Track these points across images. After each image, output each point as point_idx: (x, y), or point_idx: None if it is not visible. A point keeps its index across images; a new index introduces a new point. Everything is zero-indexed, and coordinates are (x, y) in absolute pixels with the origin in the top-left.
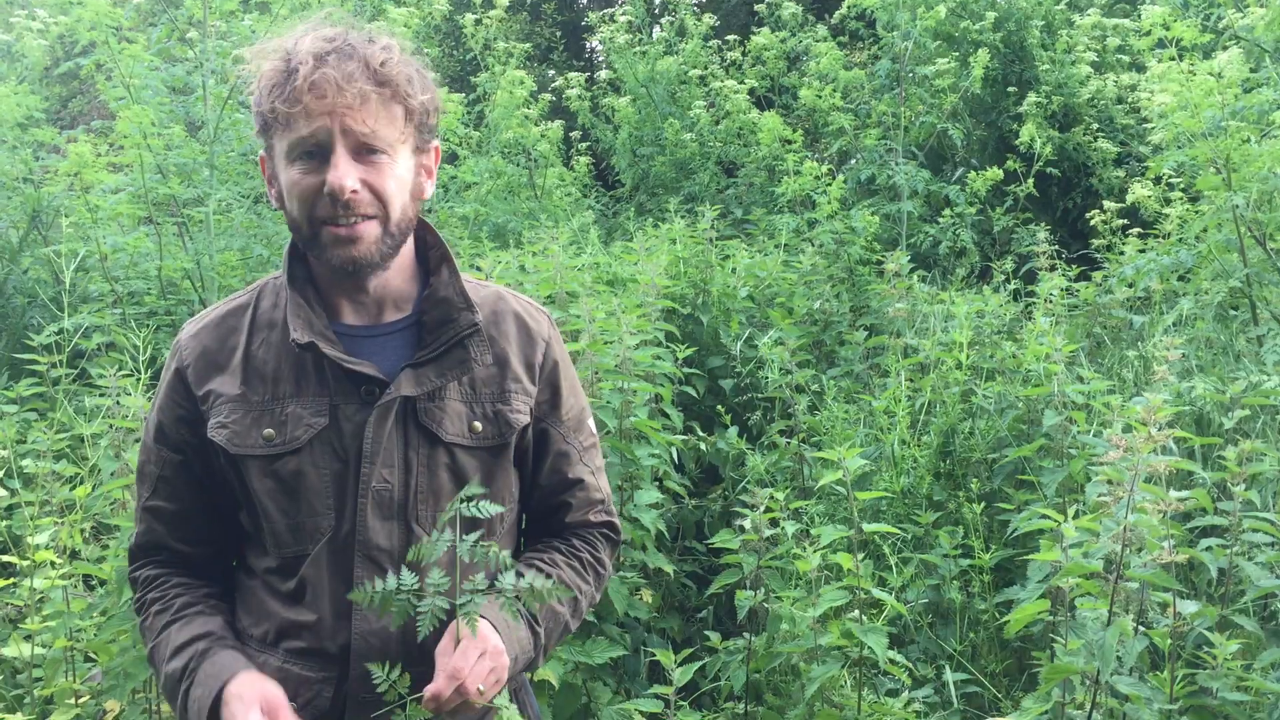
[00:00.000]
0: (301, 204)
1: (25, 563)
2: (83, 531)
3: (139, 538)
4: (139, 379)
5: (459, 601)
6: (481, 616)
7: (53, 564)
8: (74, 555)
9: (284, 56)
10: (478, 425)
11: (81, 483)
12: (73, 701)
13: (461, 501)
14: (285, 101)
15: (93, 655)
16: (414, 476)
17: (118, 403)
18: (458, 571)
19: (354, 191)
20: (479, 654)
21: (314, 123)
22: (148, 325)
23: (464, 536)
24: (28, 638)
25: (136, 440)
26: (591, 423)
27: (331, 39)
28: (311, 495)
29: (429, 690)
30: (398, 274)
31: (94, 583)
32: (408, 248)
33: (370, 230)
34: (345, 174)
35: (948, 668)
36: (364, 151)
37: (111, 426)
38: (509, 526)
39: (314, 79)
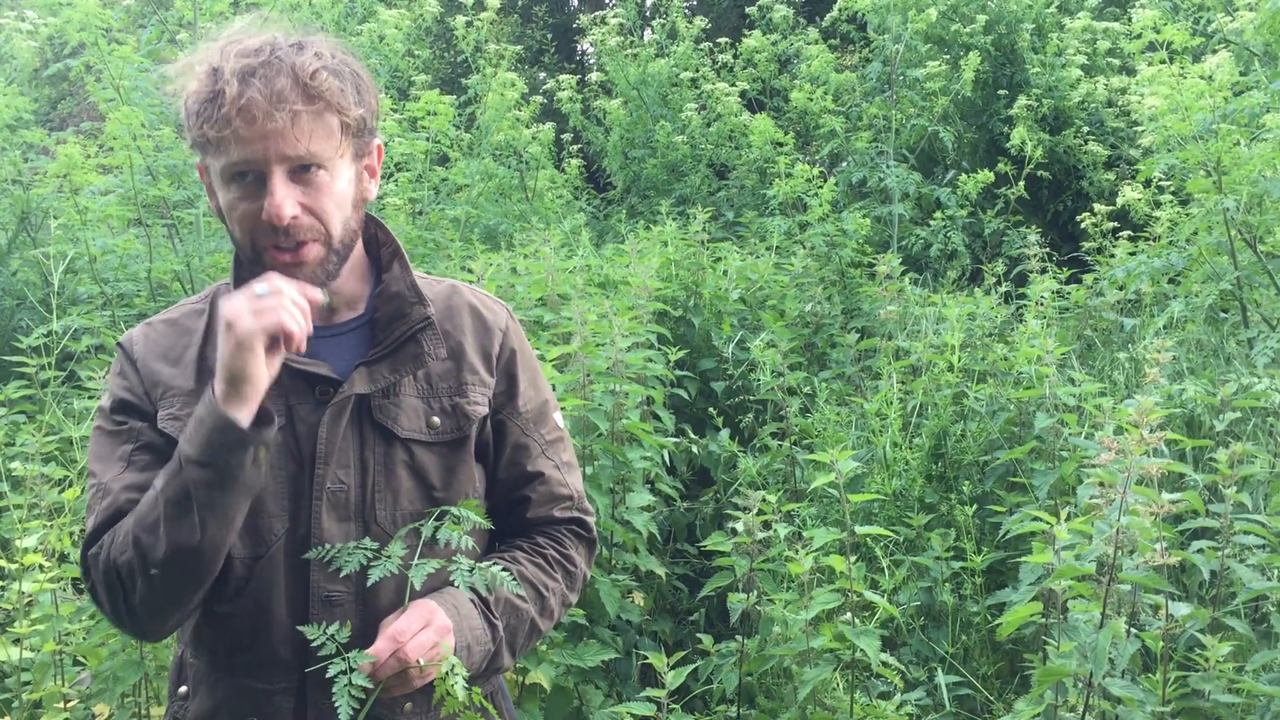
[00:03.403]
0: (242, 227)
1: (14, 566)
2: (71, 535)
3: (103, 513)
4: None
5: (412, 566)
6: (435, 603)
7: (41, 567)
8: (63, 559)
9: (210, 74)
10: (435, 420)
11: (70, 485)
12: (61, 705)
13: (435, 519)
14: (214, 126)
15: (82, 659)
16: (370, 476)
17: None
18: (418, 548)
19: (294, 218)
20: (423, 624)
21: (246, 149)
22: None
23: (447, 530)
24: (16, 641)
25: None
26: (558, 416)
27: (258, 51)
28: (266, 496)
29: (369, 651)
30: (349, 275)
31: (83, 586)
32: (357, 247)
33: (314, 252)
34: (282, 201)
35: (940, 670)
36: (300, 170)
37: None
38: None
39: (242, 103)
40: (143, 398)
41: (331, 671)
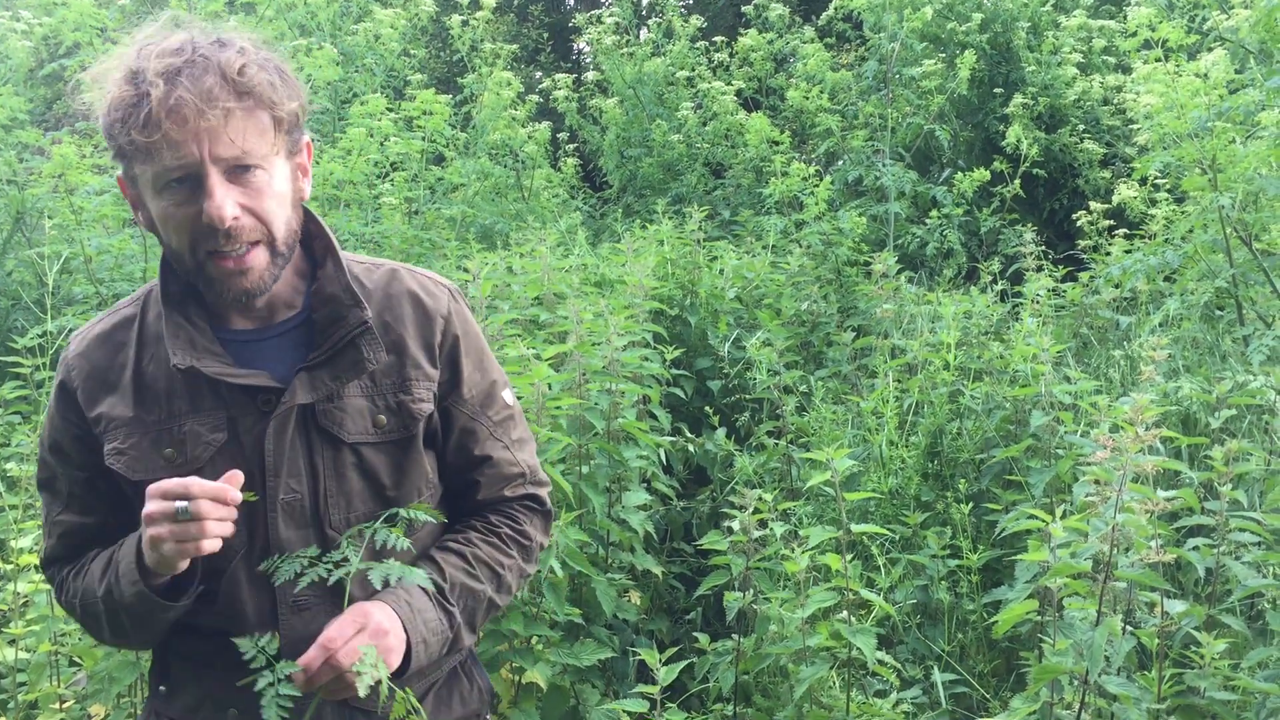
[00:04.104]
0: (179, 235)
1: (9, 567)
2: None
3: (52, 550)
4: None
5: (353, 569)
6: (382, 603)
7: (36, 568)
8: None
9: (129, 79)
10: (382, 419)
11: None
12: (57, 706)
13: (382, 522)
14: (142, 131)
15: (77, 659)
16: (321, 482)
17: None
18: (356, 557)
19: (235, 219)
20: (357, 629)
21: (179, 151)
22: None
23: (384, 531)
24: (12, 642)
25: None
26: (507, 394)
27: (179, 50)
28: None
29: (300, 660)
30: (287, 272)
31: None
32: None
33: (259, 257)
34: (222, 202)
35: (936, 668)
36: (237, 170)
37: None
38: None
39: (170, 104)
40: (79, 439)
41: (259, 685)
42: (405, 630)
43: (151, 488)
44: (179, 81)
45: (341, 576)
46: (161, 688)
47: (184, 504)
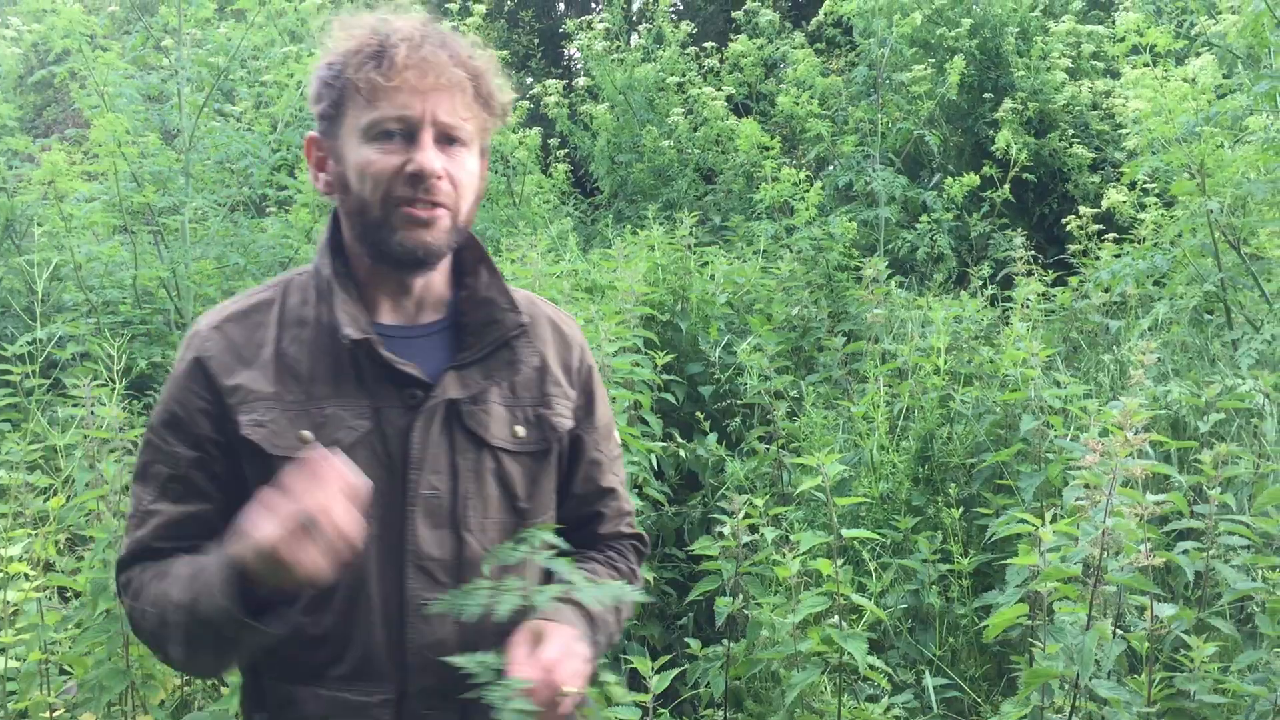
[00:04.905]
0: (376, 184)
1: None
2: (57, 543)
3: (134, 545)
4: (114, 389)
5: (532, 595)
6: (573, 627)
7: (26, 576)
8: (48, 567)
9: (374, 33)
10: (520, 430)
11: (55, 494)
12: (47, 715)
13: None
14: (384, 73)
15: (68, 668)
16: (461, 483)
17: (92, 413)
18: (485, 571)
19: (439, 177)
20: (569, 653)
21: (408, 100)
22: (122, 335)
23: (514, 546)
24: (1, 651)
25: (111, 450)
26: (616, 434)
27: (423, 24)
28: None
29: (527, 677)
30: (440, 274)
31: (69, 595)
32: None
33: (444, 220)
34: (435, 157)
35: (927, 673)
36: (445, 141)
37: (86, 437)
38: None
39: (417, 57)
40: (205, 411)
41: (495, 698)
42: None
43: (270, 539)
44: (424, 44)
45: (513, 608)
46: (258, 715)
47: (307, 516)
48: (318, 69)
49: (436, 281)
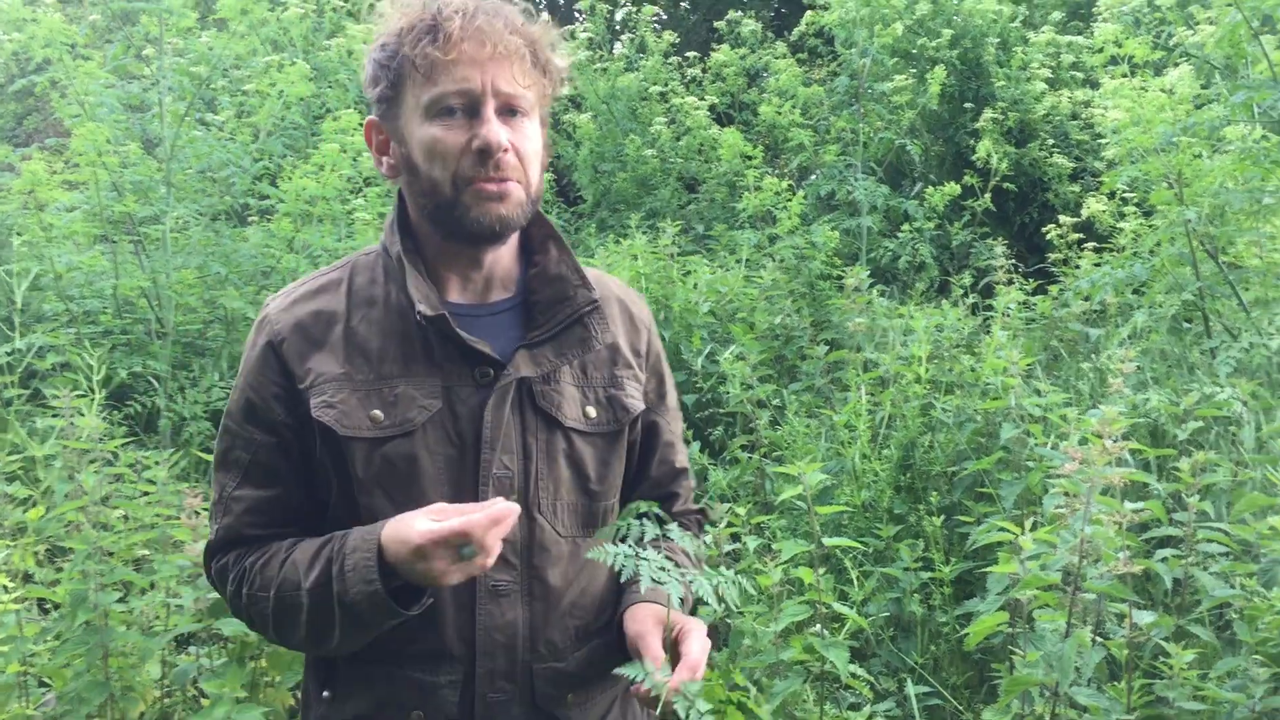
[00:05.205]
0: (444, 163)
1: None
2: (36, 554)
3: (223, 532)
4: (93, 399)
5: (663, 575)
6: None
7: (5, 588)
8: (27, 579)
9: (426, 8)
10: (591, 411)
11: (34, 505)
12: None
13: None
14: (441, 48)
15: (47, 680)
16: (534, 463)
17: (71, 424)
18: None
19: (504, 150)
20: (705, 649)
21: (467, 73)
22: (103, 345)
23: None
24: None
25: (91, 461)
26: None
27: None
28: (425, 482)
29: (672, 682)
30: (509, 251)
31: (48, 606)
32: None
33: (516, 190)
34: (499, 130)
35: (909, 681)
36: (507, 113)
37: (65, 448)
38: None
39: (473, 28)
40: (279, 396)
41: (679, 706)
42: None
43: (426, 537)
44: (478, 15)
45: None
46: (325, 693)
47: (469, 548)
48: (370, 52)
49: (505, 259)
